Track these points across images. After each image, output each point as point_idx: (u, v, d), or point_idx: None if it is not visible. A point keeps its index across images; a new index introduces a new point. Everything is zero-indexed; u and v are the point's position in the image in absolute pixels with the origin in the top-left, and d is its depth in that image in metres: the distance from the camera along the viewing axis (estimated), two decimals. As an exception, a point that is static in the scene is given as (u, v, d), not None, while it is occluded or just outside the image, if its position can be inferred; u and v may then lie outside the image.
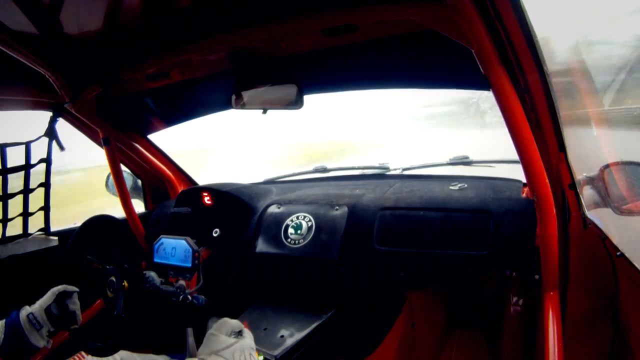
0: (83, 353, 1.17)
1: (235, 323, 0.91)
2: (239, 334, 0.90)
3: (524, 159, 0.96)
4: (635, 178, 1.01)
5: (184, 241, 1.36)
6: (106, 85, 1.31)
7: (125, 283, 1.00)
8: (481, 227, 1.23)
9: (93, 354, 1.02)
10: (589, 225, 1.09)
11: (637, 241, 1.12)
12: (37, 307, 1.04)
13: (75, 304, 1.09)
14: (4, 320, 1.01)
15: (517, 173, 1.31)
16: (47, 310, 1.04)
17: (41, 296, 1.07)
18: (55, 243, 1.56)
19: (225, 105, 1.67)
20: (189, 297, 1.14)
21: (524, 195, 1.33)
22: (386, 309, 1.61)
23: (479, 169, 1.73)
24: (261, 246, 1.47)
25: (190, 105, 1.75)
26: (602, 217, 1.07)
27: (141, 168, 1.90)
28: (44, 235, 1.56)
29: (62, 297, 1.07)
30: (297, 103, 1.32)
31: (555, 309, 1.08)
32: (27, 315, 1.01)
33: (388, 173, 1.84)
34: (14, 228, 1.49)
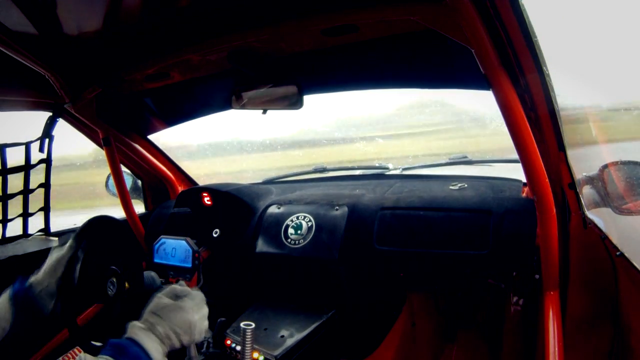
0: (76, 350, 1.16)
1: (179, 289, 0.95)
2: (181, 299, 0.93)
3: (524, 159, 0.96)
4: (634, 178, 1.01)
5: (184, 241, 1.36)
6: (106, 86, 1.31)
7: (125, 283, 1.00)
8: (481, 226, 1.23)
9: (93, 354, 1.02)
10: (588, 225, 1.09)
11: (637, 240, 1.12)
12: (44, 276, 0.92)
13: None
14: (7, 295, 0.88)
15: (517, 173, 1.32)
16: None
17: None
18: (56, 244, 1.56)
19: (225, 105, 1.67)
20: None
21: (524, 194, 1.33)
22: (386, 309, 1.61)
23: (479, 168, 1.73)
24: (261, 246, 1.47)
25: (190, 105, 1.75)
26: (602, 217, 1.07)
27: (141, 168, 1.90)
28: (44, 236, 1.56)
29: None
30: (297, 103, 1.32)
31: (555, 309, 1.08)
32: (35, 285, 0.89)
33: (388, 173, 1.84)
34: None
